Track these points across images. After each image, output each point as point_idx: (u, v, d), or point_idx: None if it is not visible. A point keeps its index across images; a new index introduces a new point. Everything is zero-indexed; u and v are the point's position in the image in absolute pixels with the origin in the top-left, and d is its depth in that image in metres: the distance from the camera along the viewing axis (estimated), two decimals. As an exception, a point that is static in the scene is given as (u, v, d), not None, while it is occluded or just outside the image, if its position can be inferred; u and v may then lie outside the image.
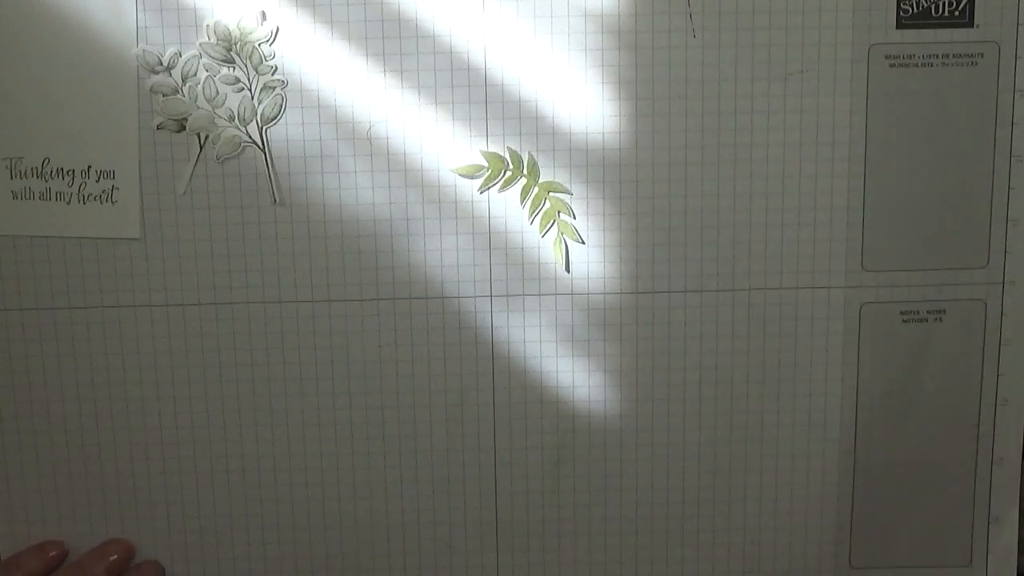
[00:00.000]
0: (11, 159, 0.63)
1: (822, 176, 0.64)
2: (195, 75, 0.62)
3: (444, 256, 0.65)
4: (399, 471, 0.67)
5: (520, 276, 0.65)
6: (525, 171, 0.64)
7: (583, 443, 0.67)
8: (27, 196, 0.64)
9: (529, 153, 0.64)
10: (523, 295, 0.65)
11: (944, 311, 0.66)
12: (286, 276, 0.65)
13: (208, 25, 0.62)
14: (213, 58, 0.62)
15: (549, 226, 0.64)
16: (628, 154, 0.64)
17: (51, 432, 0.67)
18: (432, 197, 0.64)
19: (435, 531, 0.68)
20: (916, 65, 0.63)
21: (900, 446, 0.67)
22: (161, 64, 0.62)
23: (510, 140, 0.64)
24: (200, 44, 0.62)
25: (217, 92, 0.62)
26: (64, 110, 0.63)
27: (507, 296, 0.65)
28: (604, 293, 0.65)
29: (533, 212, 0.64)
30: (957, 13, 0.63)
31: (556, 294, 0.65)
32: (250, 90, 0.62)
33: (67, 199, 0.64)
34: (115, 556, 0.66)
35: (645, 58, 0.63)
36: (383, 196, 0.64)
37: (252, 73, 0.62)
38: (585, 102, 0.63)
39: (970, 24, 0.63)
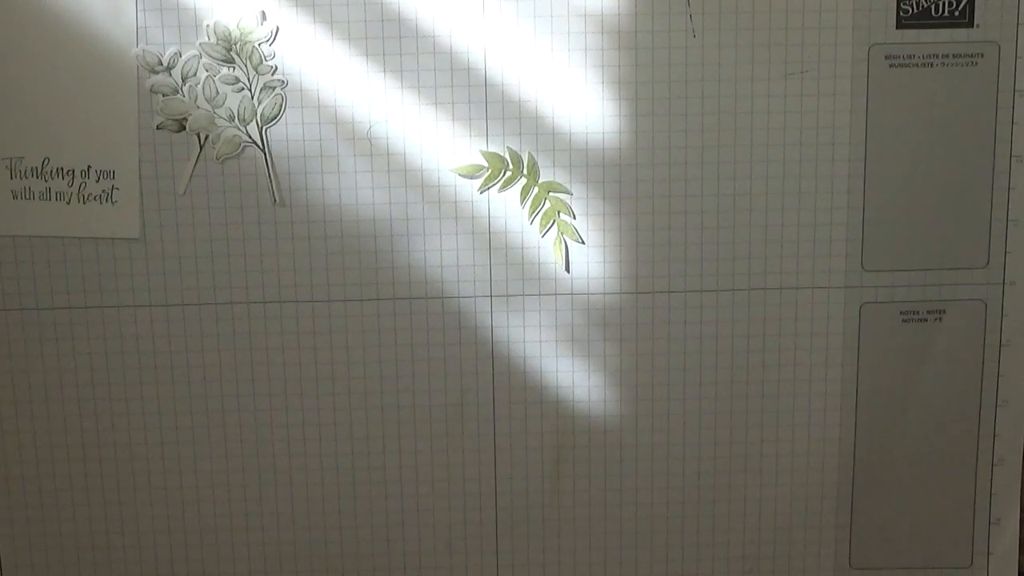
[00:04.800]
0: (11, 159, 0.63)
1: (822, 176, 0.64)
2: (195, 75, 0.62)
3: (444, 256, 0.65)
4: (399, 471, 0.67)
5: (520, 276, 0.65)
6: (525, 171, 0.64)
7: (583, 443, 0.67)
8: (27, 196, 0.64)
9: (529, 153, 0.64)
10: (523, 295, 0.65)
11: (944, 311, 0.66)
12: (286, 276, 0.65)
13: (208, 25, 0.62)
14: (213, 58, 0.62)
15: (549, 226, 0.64)
16: (628, 154, 0.64)
17: (51, 432, 0.67)
18: (432, 197, 0.64)
19: (435, 531, 0.68)
20: (916, 65, 0.63)
21: (900, 446, 0.67)
22: (161, 64, 0.62)
23: (510, 140, 0.64)
24: (200, 44, 0.62)
25: (217, 92, 0.62)
26: (64, 110, 0.63)
27: (507, 296, 0.65)
28: (604, 293, 0.65)
29: (533, 212, 0.64)
30: (957, 13, 0.63)
31: (556, 294, 0.65)
32: (250, 90, 0.62)
33: (67, 199, 0.64)
34: None
35: (645, 58, 0.63)
36: (383, 196, 0.64)
37: (252, 73, 0.62)
38: (585, 102, 0.63)
39: (970, 24, 0.63)
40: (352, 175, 0.64)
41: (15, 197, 0.64)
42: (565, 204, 0.64)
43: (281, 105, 0.63)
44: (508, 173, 0.64)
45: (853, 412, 0.67)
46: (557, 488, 0.68)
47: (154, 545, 0.68)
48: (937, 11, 0.63)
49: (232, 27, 0.62)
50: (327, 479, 0.67)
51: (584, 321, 0.66)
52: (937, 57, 0.63)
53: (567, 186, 0.64)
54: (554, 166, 0.64)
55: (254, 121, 0.63)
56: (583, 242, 0.65)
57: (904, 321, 0.66)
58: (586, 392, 0.67)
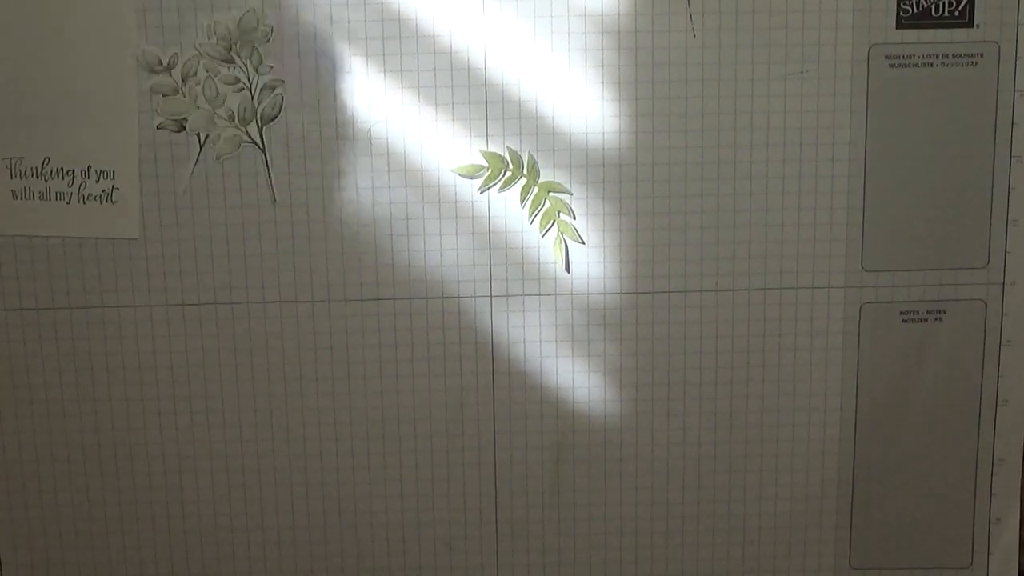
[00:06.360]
0: (11, 159, 0.63)
1: (822, 176, 0.64)
2: (195, 75, 0.62)
3: (444, 256, 0.65)
4: (399, 471, 0.67)
5: (520, 276, 0.65)
6: (525, 171, 0.64)
7: (583, 443, 0.67)
8: (27, 196, 0.64)
9: (529, 153, 0.64)
10: (523, 295, 0.65)
11: (944, 311, 0.66)
12: (286, 276, 0.65)
13: (208, 25, 0.62)
14: (213, 58, 0.62)
15: (549, 226, 0.64)
16: (628, 154, 0.64)
17: (51, 432, 0.67)
18: (432, 197, 0.64)
19: (435, 531, 0.68)
20: (916, 65, 0.63)
21: (900, 446, 0.67)
22: (161, 64, 0.62)
23: (510, 140, 0.64)
24: (200, 44, 0.62)
25: (217, 92, 0.62)
26: (64, 110, 0.63)
27: (507, 296, 0.65)
28: (604, 293, 0.65)
29: (533, 212, 0.64)
30: (957, 13, 0.63)
31: (556, 294, 0.65)
32: (250, 90, 0.62)
33: (67, 199, 0.64)
34: None
35: (645, 58, 0.63)
36: (383, 196, 0.64)
37: (252, 73, 0.62)
38: (585, 102, 0.63)
39: (970, 24, 0.63)
40: (352, 175, 0.64)
41: (15, 197, 0.64)
42: (565, 204, 0.64)
43: (281, 105, 0.63)
44: (508, 173, 0.64)
45: (853, 412, 0.67)
46: (557, 488, 0.68)
47: (154, 545, 0.68)
48: (937, 11, 0.63)
49: (232, 27, 0.62)
50: (327, 479, 0.67)
51: (584, 321, 0.66)
52: (937, 57, 0.63)
53: (567, 186, 0.64)
54: (554, 166, 0.64)
55: (254, 121, 0.63)
56: (583, 242, 0.65)
57: (904, 321, 0.66)
58: (586, 392, 0.67)
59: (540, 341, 0.66)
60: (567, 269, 0.65)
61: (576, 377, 0.66)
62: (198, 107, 0.63)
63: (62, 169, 0.63)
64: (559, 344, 0.66)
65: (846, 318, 0.66)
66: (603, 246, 0.65)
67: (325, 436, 0.67)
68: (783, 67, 0.63)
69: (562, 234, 0.65)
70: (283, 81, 0.63)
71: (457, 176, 0.64)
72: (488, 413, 0.67)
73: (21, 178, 0.64)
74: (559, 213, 0.64)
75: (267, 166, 0.64)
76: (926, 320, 0.66)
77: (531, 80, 0.63)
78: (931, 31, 0.63)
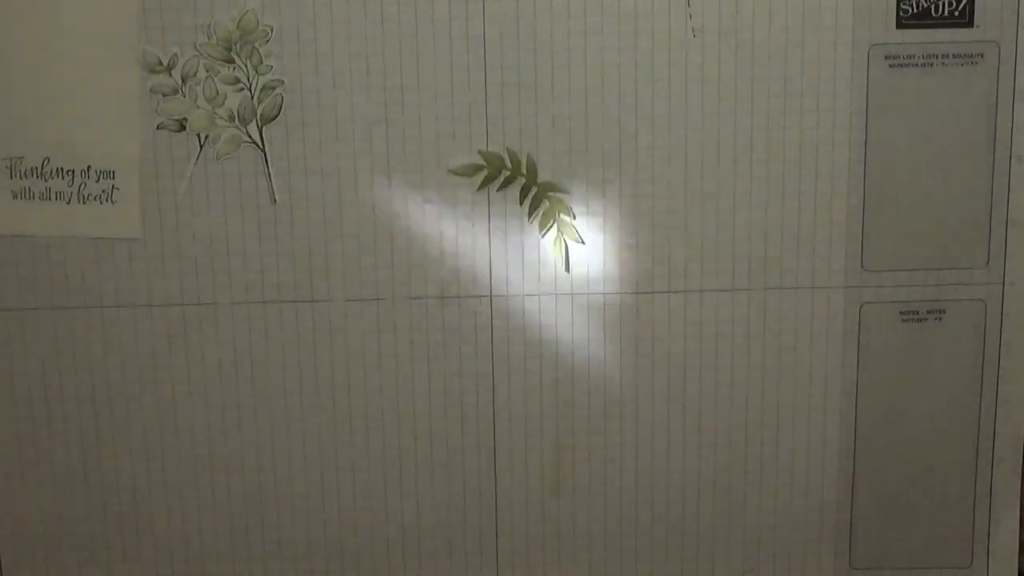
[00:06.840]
0: (11, 159, 0.63)
1: (822, 176, 0.64)
2: (195, 75, 0.62)
3: (444, 256, 0.65)
4: (399, 471, 0.67)
5: (520, 276, 0.65)
6: (524, 171, 0.64)
7: (583, 443, 0.67)
8: (27, 196, 0.64)
9: (528, 153, 0.64)
10: (523, 295, 0.65)
11: (944, 311, 0.66)
12: (286, 276, 0.65)
13: (208, 25, 0.62)
14: (213, 58, 0.62)
15: (549, 226, 0.64)
16: (628, 154, 0.64)
17: (50, 432, 0.67)
18: (432, 197, 0.64)
19: (435, 531, 0.68)
20: (916, 65, 0.63)
21: (900, 446, 0.67)
22: (161, 64, 0.62)
23: (509, 140, 0.64)
24: (200, 44, 0.62)
25: (217, 92, 0.63)
26: (64, 110, 0.63)
27: (507, 296, 0.65)
28: (604, 293, 0.65)
29: (532, 212, 0.64)
30: (957, 13, 0.63)
31: (556, 294, 0.65)
32: (250, 90, 0.62)
33: (67, 199, 0.64)
34: None
35: (645, 58, 0.63)
36: (383, 196, 0.64)
37: (252, 73, 0.62)
38: (585, 102, 0.63)
39: (970, 24, 0.63)
40: (352, 175, 0.64)
41: (15, 197, 0.64)
42: (564, 204, 0.64)
43: (280, 105, 0.63)
44: (507, 173, 0.64)
45: (853, 412, 0.67)
46: (557, 488, 0.68)
47: (153, 545, 0.68)
48: (937, 11, 0.63)
49: (232, 27, 0.62)
50: (327, 479, 0.67)
51: (584, 321, 0.66)
52: (937, 57, 0.63)
53: (566, 186, 0.64)
54: (554, 166, 0.64)
55: (254, 121, 0.63)
56: (582, 242, 0.65)
57: (904, 321, 0.66)
58: (586, 392, 0.66)
59: (540, 341, 0.66)
60: (567, 269, 0.65)
61: (576, 377, 0.66)
62: (198, 107, 0.63)
63: (62, 169, 0.63)
64: (559, 344, 0.66)
65: (846, 318, 0.66)
66: (603, 246, 0.65)
67: (324, 436, 0.67)
68: (783, 67, 0.63)
69: (562, 234, 0.65)
70: (283, 81, 0.63)
71: (456, 176, 0.64)
72: (488, 413, 0.67)
73: (21, 178, 0.64)
74: (559, 213, 0.64)
75: (267, 166, 0.64)
76: (926, 320, 0.66)
77: (531, 80, 0.63)
78: (931, 31, 0.63)
